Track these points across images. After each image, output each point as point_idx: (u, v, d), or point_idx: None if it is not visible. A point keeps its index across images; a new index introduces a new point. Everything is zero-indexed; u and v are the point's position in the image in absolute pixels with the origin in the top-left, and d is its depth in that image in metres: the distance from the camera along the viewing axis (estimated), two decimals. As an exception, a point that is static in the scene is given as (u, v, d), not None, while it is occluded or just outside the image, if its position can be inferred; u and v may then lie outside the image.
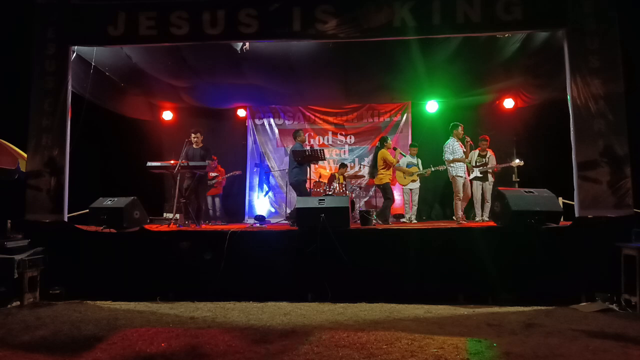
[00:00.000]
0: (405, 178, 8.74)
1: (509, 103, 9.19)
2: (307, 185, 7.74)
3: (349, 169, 9.84)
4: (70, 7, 6.11)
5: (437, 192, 9.68)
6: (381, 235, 5.73)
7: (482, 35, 6.17)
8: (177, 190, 6.96)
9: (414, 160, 8.86)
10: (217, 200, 8.95)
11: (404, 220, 8.80)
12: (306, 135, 10.12)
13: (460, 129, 7.53)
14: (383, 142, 7.88)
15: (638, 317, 4.51)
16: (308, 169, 7.71)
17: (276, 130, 10.26)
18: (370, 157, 9.91)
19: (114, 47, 6.66)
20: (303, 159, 7.54)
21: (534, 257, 5.21)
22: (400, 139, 9.88)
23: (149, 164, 6.94)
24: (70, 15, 6.09)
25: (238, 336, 3.96)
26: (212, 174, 8.80)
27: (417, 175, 8.69)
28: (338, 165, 9.48)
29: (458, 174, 7.42)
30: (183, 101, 9.41)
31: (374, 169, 7.88)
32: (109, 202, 6.16)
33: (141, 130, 9.48)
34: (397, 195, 9.76)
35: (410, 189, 8.73)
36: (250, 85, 8.44)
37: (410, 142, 9.56)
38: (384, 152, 7.70)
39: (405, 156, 8.64)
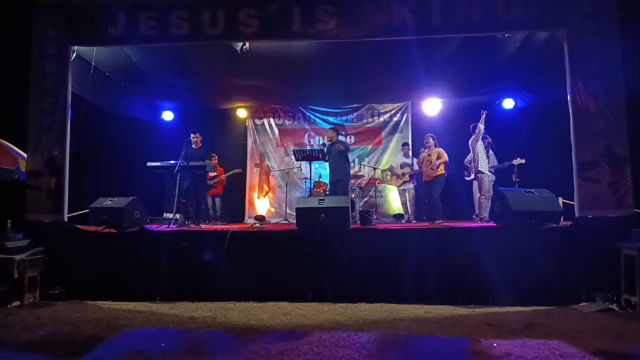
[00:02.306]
0: (397, 179, 8.74)
1: (509, 103, 9.19)
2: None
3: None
4: (70, 7, 6.10)
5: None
6: (381, 235, 5.73)
7: (482, 35, 6.17)
8: (177, 190, 6.96)
9: (408, 161, 8.85)
10: (217, 200, 8.95)
11: (403, 220, 8.79)
12: (306, 135, 10.16)
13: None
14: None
15: (638, 317, 4.51)
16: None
17: (276, 130, 10.26)
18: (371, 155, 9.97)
19: (114, 47, 6.66)
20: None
21: (534, 257, 5.21)
22: (400, 139, 9.87)
23: (149, 164, 6.94)
24: (70, 15, 6.09)
25: (238, 336, 3.96)
26: (212, 174, 8.80)
27: (410, 175, 8.67)
28: None
29: (481, 171, 7.35)
30: (183, 101, 9.41)
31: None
32: (109, 202, 6.17)
33: (141, 130, 9.48)
34: (394, 196, 9.77)
35: (405, 190, 8.72)
36: (250, 85, 8.44)
37: (410, 142, 9.55)
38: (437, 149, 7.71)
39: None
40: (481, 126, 7.39)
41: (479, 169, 7.45)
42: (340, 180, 7.52)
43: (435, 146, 7.70)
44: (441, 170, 7.48)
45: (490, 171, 7.93)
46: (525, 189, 5.88)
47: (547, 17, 5.70)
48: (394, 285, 5.31)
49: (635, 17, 5.70)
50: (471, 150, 7.62)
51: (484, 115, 7.37)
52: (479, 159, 7.45)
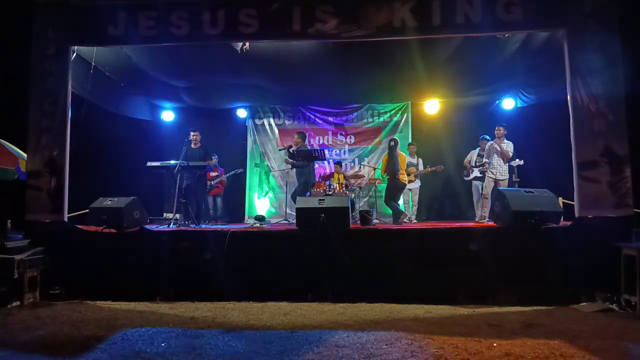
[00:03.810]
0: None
1: (509, 103, 9.19)
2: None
3: (348, 168, 9.85)
4: (70, 7, 6.08)
5: (437, 192, 9.69)
6: (381, 235, 5.73)
7: (482, 35, 6.16)
8: (177, 190, 6.96)
9: (414, 160, 8.84)
10: (218, 200, 8.95)
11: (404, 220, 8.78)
12: (306, 135, 10.14)
13: (501, 130, 7.59)
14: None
15: (638, 317, 4.51)
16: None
17: (276, 130, 10.26)
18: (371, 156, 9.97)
19: (114, 47, 6.66)
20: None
21: (534, 257, 5.21)
22: (400, 139, 9.82)
23: (149, 164, 6.94)
24: (70, 15, 6.07)
25: (238, 336, 3.96)
26: (213, 174, 8.80)
27: (415, 175, 8.67)
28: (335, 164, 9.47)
29: (490, 176, 7.52)
30: (183, 101, 9.41)
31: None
32: (109, 202, 6.16)
33: (141, 130, 9.48)
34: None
35: (410, 189, 8.71)
36: (250, 85, 8.44)
37: (410, 142, 9.55)
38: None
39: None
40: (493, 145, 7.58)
41: (494, 175, 7.51)
42: (306, 182, 8.02)
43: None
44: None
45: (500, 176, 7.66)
46: (525, 189, 5.88)
47: (547, 17, 5.70)
48: (394, 285, 5.31)
49: (635, 17, 5.70)
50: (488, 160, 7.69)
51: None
52: (498, 168, 7.53)
